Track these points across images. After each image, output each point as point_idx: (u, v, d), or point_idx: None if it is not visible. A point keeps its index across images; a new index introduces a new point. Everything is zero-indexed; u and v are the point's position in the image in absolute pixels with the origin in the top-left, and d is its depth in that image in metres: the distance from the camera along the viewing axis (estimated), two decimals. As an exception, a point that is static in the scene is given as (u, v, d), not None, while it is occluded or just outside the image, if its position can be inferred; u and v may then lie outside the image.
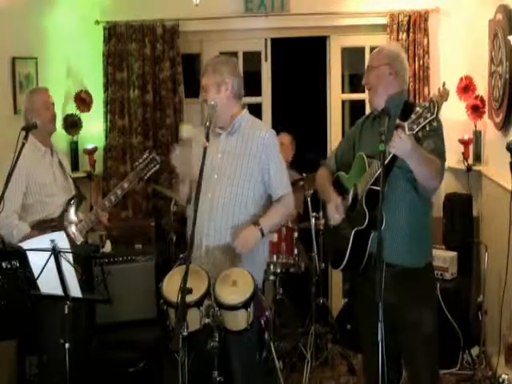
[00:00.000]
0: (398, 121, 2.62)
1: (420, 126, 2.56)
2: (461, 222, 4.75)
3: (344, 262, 3.00)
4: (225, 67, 3.25)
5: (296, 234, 4.62)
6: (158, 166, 3.73)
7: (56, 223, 3.58)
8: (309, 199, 4.48)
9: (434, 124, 2.58)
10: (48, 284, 2.96)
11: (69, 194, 3.74)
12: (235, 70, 3.30)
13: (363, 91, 3.17)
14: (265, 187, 3.30)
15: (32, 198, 3.60)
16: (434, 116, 2.53)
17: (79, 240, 3.63)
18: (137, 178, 3.71)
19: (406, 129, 2.58)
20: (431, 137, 2.84)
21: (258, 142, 3.25)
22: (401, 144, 2.61)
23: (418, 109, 2.56)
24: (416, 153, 2.66)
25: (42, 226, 3.54)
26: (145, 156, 3.72)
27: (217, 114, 3.16)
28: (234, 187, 3.21)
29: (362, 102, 5.26)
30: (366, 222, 2.85)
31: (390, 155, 2.69)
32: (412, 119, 2.57)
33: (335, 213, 3.06)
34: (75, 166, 5.12)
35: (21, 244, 3.02)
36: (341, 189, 3.14)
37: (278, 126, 5.52)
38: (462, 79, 4.80)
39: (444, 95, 2.64)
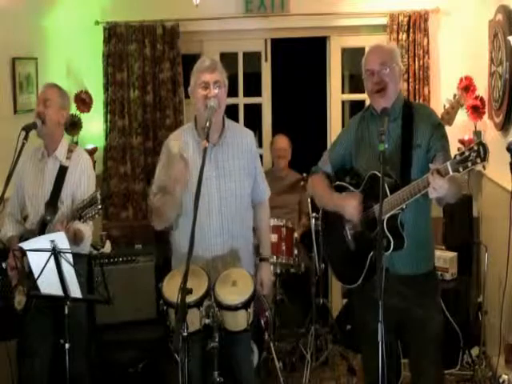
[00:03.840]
0: (432, 166, 2.55)
1: (467, 170, 2.48)
2: (461, 222, 4.75)
3: (359, 282, 2.97)
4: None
5: (296, 234, 4.63)
6: (99, 207, 3.04)
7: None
8: (309, 199, 4.47)
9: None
10: (48, 284, 2.97)
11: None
12: None
13: (363, 91, 3.11)
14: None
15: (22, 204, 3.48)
16: (485, 162, 2.44)
17: None
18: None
19: (450, 169, 2.50)
20: (444, 148, 2.87)
21: (246, 149, 3.16)
22: (441, 189, 2.54)
23: (465, 151, 2.47)
24: (450, 188, 2.58)
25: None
26: (86, 198, 3.14)
27: (216, 118, 2.99)
28: (241, 203, 3.13)
29: (361, 103, 5.26)
30: (391, 249, 2.78)
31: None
32: (457, 160, 2.49)
33: (355, 212, 2.92)
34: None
35: (21, 244, 3.02)
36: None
37: (277, 126, 5.55)
38: (462, 79, 4.80)
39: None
